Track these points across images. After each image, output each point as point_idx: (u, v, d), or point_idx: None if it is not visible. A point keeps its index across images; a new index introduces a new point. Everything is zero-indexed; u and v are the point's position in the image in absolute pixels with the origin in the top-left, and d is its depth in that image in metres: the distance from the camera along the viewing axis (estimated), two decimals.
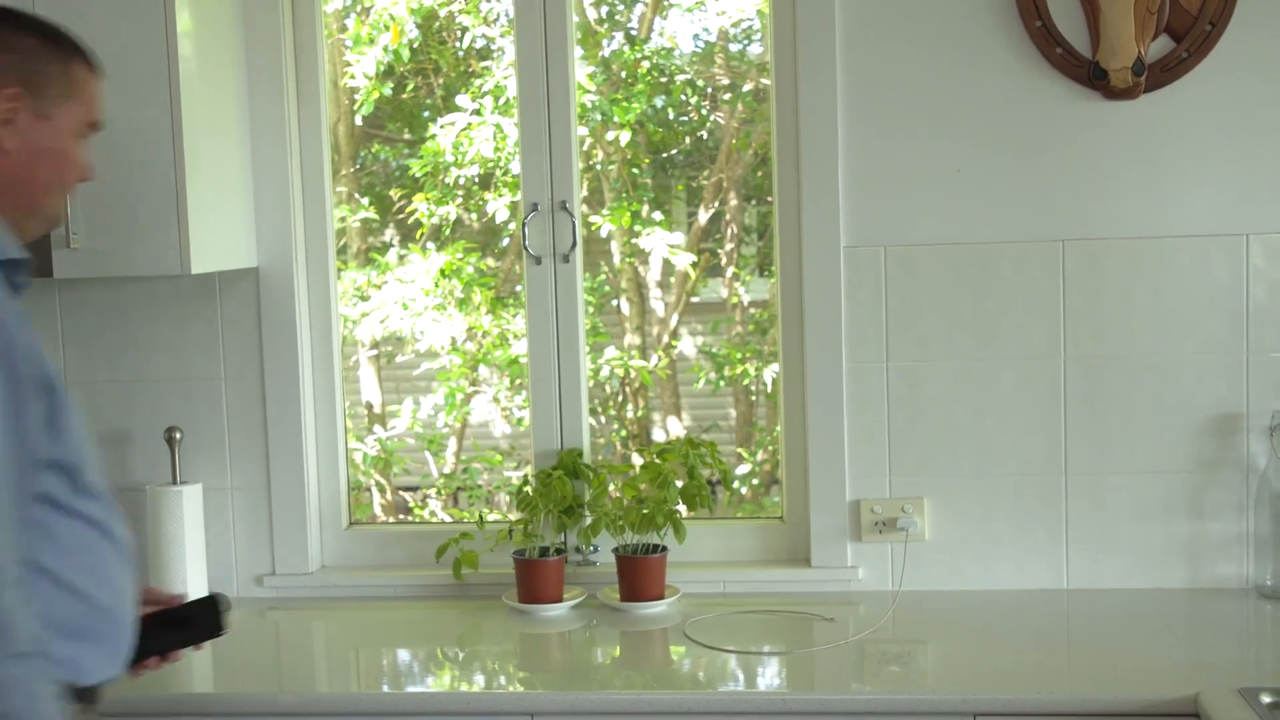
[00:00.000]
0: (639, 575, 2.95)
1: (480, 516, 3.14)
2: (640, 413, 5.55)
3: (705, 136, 5.32)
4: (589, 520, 3.04)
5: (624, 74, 5.09)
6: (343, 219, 4.67)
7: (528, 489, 3.04)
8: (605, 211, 5.07)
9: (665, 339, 5.52)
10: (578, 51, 3.30)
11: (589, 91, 4.96)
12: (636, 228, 5.09)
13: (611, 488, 3.09)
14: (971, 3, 2.92)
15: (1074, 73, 2.89)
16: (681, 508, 3.02)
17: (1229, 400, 2.92)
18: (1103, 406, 2.95)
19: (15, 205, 1.83)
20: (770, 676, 2.62)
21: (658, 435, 5.49)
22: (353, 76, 4.81)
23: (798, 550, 3.09)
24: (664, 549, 2.99)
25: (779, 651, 2.70)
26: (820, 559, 3.04)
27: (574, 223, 3.11)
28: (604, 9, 5.17)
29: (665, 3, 5.31)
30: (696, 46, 5.36)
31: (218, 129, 2.93)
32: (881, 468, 3.01)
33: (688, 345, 5.58)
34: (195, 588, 3.03)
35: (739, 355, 4.93)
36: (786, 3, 3.01)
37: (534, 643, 2.88)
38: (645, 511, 2.96)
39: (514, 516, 3.14)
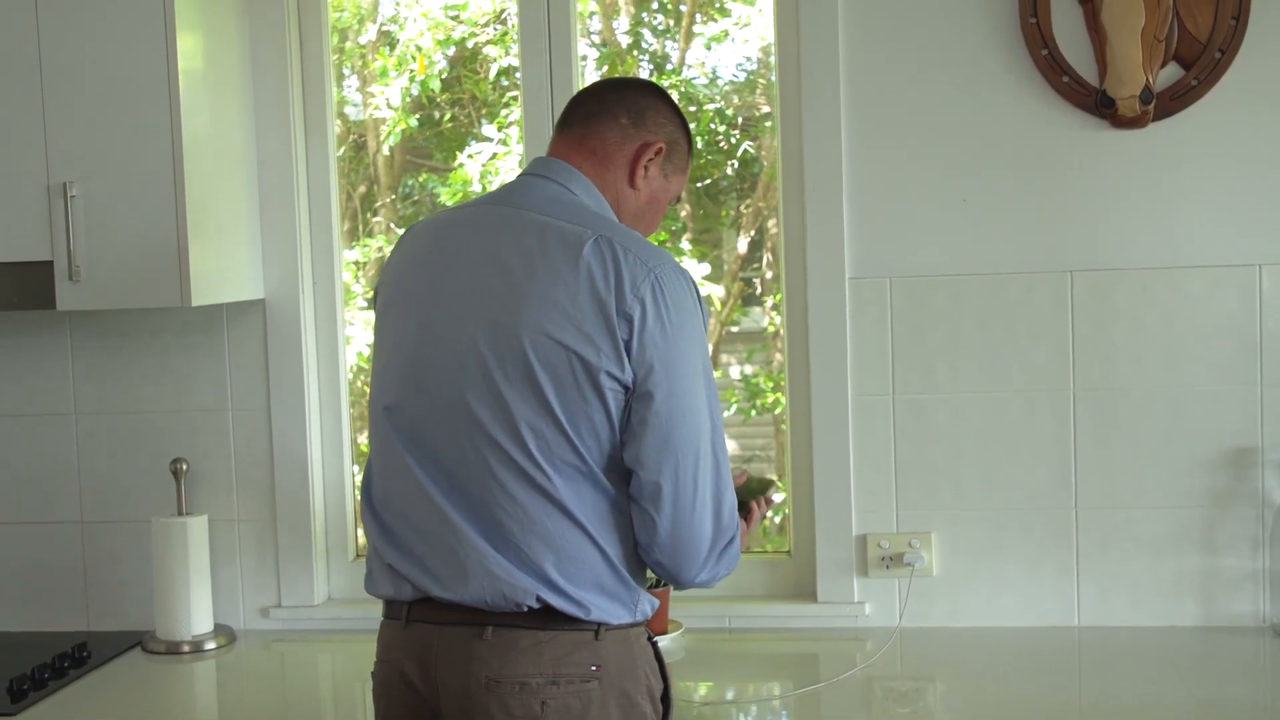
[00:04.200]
0: None
1: None
2: None
3: (736, 166, 5.32)
4: None
5: None
6: (380, 248, 4.69)
7: None
8: None
9: None
10: (590, 78, 3.29)
11: None
12: None
13: None
14: (976, 31, 2.89)
15: (1081, 101, 2.85)
16: None
17: (1243, 433, 2.86)
18: (1113, 439, 2.90)
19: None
20: (776, 715, 2.58)
21: None
22: (377, 108, 4.85)
23: (804, 585, 3.05)
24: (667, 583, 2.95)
25: (783, 694, 2.67)
26: (826, 594, 3.00)
27: None
28: (640, 33, 5.18)
29: (694, 32, 5.32)
30: (736, 76, 5.36)
31: (222, 161, 2.95)
32: (888, 501, 2.97)
33: (735, 373, 5.56)
34: (200, 620, 3.03)
35: (770, 384, 4.90)
36: (790, 31, 3.00)
37: None
38: None
39: None
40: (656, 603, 2.09)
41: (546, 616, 1.96)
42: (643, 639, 2.07)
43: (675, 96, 5.06)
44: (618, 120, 2.16)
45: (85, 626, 3.16)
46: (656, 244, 2.09)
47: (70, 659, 2.87)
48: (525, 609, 1.95)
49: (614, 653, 2.00)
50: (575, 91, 3.06)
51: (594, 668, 1.98)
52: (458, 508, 1.99)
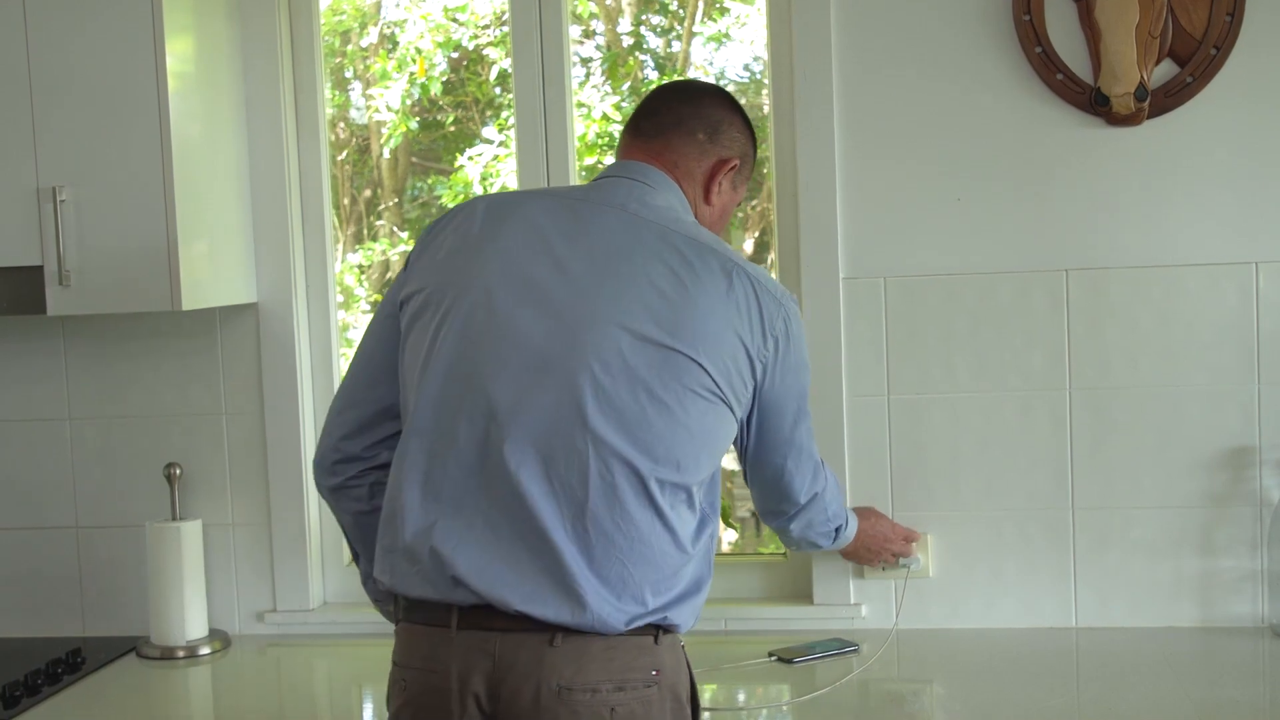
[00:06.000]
0: None
1: None
2: None
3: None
4: None
5: None
6: (384, 253, 4.68)
7: None
8: None
9: None
10: (577, 79, 3.27)
11: (615, 122, 4.96)
12: None
13: None
14: (970, 30, 2.87)
15: (1075, 99, 2.83)
16: None
17: (1240, 433, 2.84)
18: (1110, 439, 2.88)
19: None
20: (773, 717, 2.58)
21: None
22: (376, 110, 4.84)
23: (800, 587, 3.04)
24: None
25: (779, 696, 2.66)
26: (822, 596, 2.99)
27: None
28: (642, 32, 5.17)
29: (694, 31, 5.31)
30: (741, 76, 5.34)
31: (213, 164, 2.94)
32: (884, 503, 2.95)
33: None
34: (195, 625, 3.02)
35: None
36: (783, 32, 2.98)
37: None
38: None
39: None
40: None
41: None
42: (680, 643, 2.07)
43: None
44: (695, 136, 2.17)
45: (80, 632, 3.15)
46: None
47: (64, 665, 2.86)
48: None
49: (669, 656, 2.01)
50: (569, 93, 3.07)
51: (654, 672, 1.97)
52: (563, 523, 1.93)
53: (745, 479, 2.32)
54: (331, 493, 2.20)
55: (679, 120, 2.18)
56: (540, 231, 2.03)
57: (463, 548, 1.95)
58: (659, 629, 1.99)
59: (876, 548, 2.86)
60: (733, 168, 2.20)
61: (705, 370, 1.97)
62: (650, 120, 2.19)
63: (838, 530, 2.56)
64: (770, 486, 2.33)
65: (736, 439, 2.16)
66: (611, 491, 1.93)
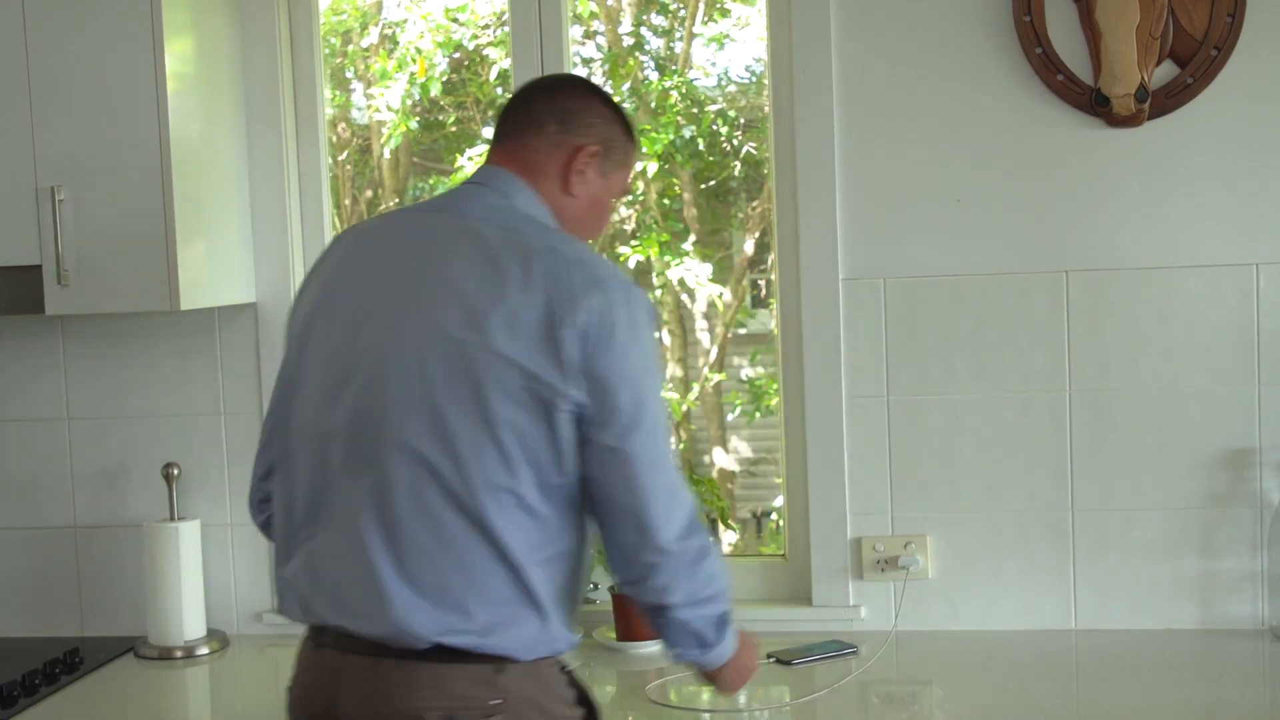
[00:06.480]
0: (634, 614, 2.90)
1: None
2: (683, 444, 5.52)
3: (743, 167, 5.31)
4: None
5: (653, 104, 5.08)
6: None
7: None
8: (634, 242, 5.07)
9: (704, 370, 5.49)
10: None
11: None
12: (667, 258, 5.08)
13: None
14: (970, 30, 2.87)
15: (1076, 100, 2.83)
16: None
17: (1240, 434, 2.83)
18: (1109, 440, 2.87)
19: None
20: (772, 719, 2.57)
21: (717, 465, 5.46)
22: (377, 110, 4.84)
23: (799, 589, 3.03)
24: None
25: (778, 699, 2.65)
26: (821, 598, 2.98)
27: None
28: (641, 33, 5.17)
29: (694, 32, 5.31)
30: (744, 78, 5.35)
31: (212, 164, 2.94)
32: (883, 504, 2.95)
33: (749, 374, 5.56)
34: (193, 625, 3.02)
35: (775, 386, 4.89)
36: (783, 31, 2.98)
37: None
38: None
39: None
40: (577, 639, 2.02)
41: (448, 649, 1.91)
42: (554, 669, 2.00)
43: (676, 97, 5.07)
44: (545, 130, 2.09)
45: (78, 632, 3.14)
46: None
47: (62, 665, 2.86)
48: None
49: (520, 685, 1.93)
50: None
51: (495, 701, 1.91)
52: (378, 533, 1.91)
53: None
54: (262, 529, 2.22)
55: (530, 117, 2.12)
56: (357, 251, 2.08)
57: (304, 571, 1.99)
58: (504, 658, 1.92)
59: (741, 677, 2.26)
60: (594, 154, 2.10)
61: (508, 365, 1.88)
62: (505, 123, 2.15)
63: (722, 619, 2.08)
64: (618, 525, 1.97)
65: (567, 444, 1.94)
66: (418, 496, 1.90)
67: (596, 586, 3.07)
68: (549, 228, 2.04)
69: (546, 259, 1.93)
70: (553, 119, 2.10)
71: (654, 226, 5.00)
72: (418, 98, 4.99)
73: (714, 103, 5.09)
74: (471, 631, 1.90)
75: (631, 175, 2.24)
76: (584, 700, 2.05)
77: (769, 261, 4.66)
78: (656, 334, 2.02)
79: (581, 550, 2.01)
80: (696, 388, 5.43)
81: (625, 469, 1.93)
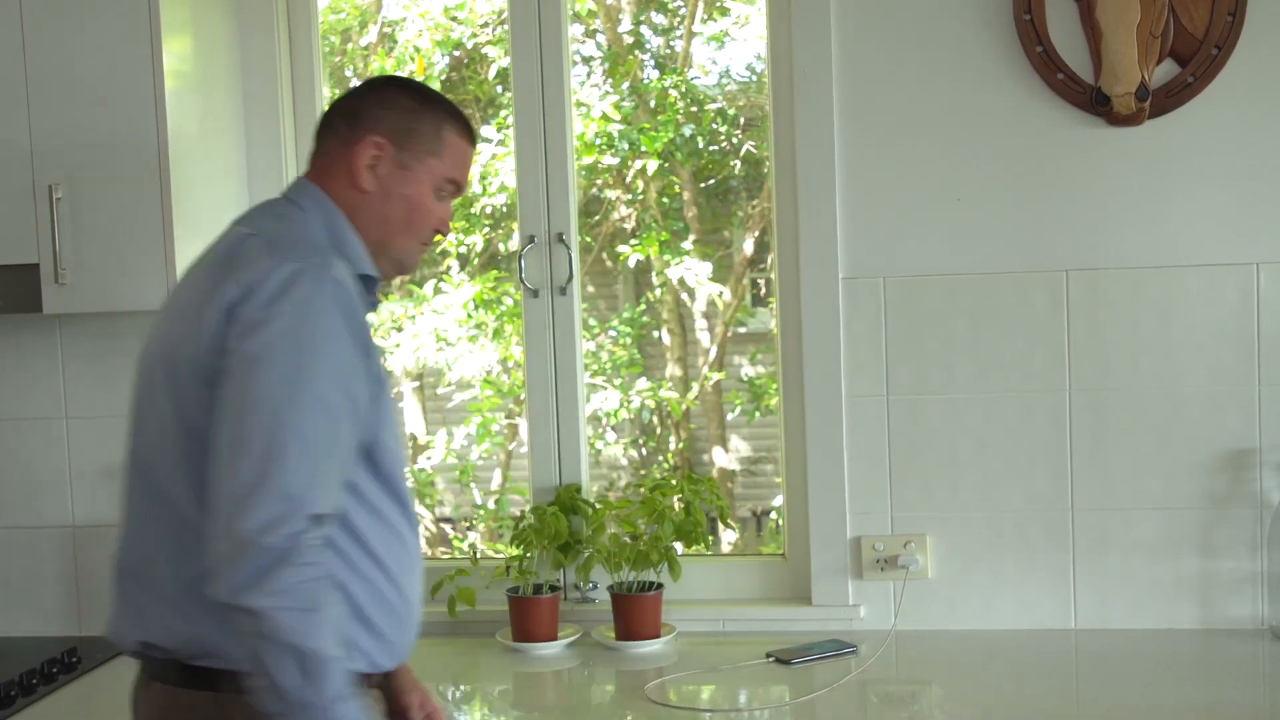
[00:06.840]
0: (633, 613, 2.90)
1: (474, 552, 3.10)
2: (682, 444, 5.51)
3: (740, 166, 5.30)
4: (585, 556, 3.00)
5: (652, 102, 5.07)
6: None
7: (524, 525, 3.01)
8: (634, 241, 5.06)
9: (704, 369, 5.48)
10: (577, 78, 3.26)
11: (613, 121, 4.95)
12: (667, 257, 5.07)
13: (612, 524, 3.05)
14: (971, 29, 2.86)
15: (1076, 99, 2.83)
16: (679, 545, 2.97)
17: (1240, 434, 2.83)
18: (1109, 440, 2.87)
19: (371, 240, 2.05)
20: (771, 718, 2.56)
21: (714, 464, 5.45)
22: None
23: (799, 588, 3.03)
24: (659, 586, 2.94)
25: (778, 698, 2.65)
26: (821, 597, 2.98)
27: (570, 255, 3.07)
28: (640, 32, 5.16)
29: (694, 31, 5.30)
30: (744, 76, 5.34)
31: (210, 163, 2.93)
32: (883, 503, 2.95)
33: (750, 373, 5.54)
34: None
35: (774, 385, 4.89)
36: (783, 29, 2.97)
37: (527, 682, 2.84)
38: (640, 548, 2.91)
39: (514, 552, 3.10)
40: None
41: (187, 671, 1.91)
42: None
43: (675, 95, 5.05)
44: (336, 131, 2.04)
45: (75, 631, 3.13)
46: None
47: (60, 665, 2.85)
48: (144, 656, 1.97)
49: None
50: (569, 92, 3.06)
51: None
52: (127, 552, 1.98)
53: None
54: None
55: (325, 122, 2.08)
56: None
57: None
58: (223, 674, 1.86)
59: None
60: (378, 144, 2.01)
61: (198, 350, 1.83)
62: (316, 132, 2.11)
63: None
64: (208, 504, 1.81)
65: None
66: (144, 511, 1.94)
67: (595, 586, 3.06)
68: (304, 228, 1.97)
69: (244, 236, 1.93)
70: (341, 118, 2.05)
71: (653, 225, 5.00)
72: None
73: (714, 101, 5.09)
74: (201, 637, 1.93)
75: (458, 167, 2.10)
76: None
77: (769, 260, 4.65)
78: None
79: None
80: (696, 387, 5.42)
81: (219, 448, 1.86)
